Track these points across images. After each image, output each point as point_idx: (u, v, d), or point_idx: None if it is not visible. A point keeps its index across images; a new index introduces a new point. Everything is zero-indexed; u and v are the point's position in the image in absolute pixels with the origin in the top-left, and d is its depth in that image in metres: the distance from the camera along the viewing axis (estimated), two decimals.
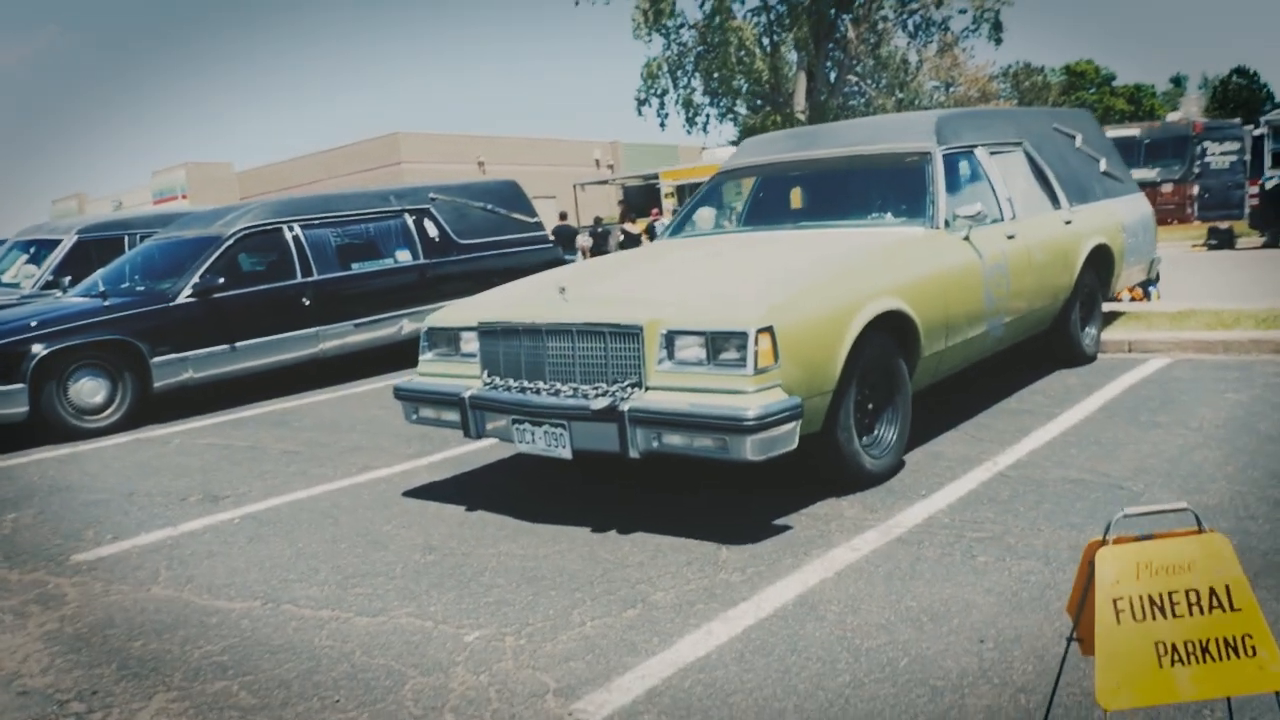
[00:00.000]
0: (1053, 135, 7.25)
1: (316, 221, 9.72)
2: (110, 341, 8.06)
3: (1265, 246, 17.22)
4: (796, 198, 6.46)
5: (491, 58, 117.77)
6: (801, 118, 36.60)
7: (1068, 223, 6.75)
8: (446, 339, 5.17)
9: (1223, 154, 18.16)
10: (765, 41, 36.97)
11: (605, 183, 34.09)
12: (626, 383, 4.32)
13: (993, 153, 6.30)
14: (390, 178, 34.55)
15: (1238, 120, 23.97)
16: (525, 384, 4.64)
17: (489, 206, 11.28)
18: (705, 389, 4.15)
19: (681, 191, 27.12)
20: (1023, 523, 4.14)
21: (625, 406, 4.21)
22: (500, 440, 4.83)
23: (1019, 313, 6.11)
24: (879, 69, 39.79)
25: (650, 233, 22.75)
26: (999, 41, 38.73)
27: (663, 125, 40.11)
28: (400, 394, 5.22)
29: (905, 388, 5.00)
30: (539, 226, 11.91)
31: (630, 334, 4.32)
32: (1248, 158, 18.26)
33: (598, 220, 26.94)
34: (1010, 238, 5.95)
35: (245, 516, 5.23)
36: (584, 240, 23.35)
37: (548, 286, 4.99)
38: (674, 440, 4.19)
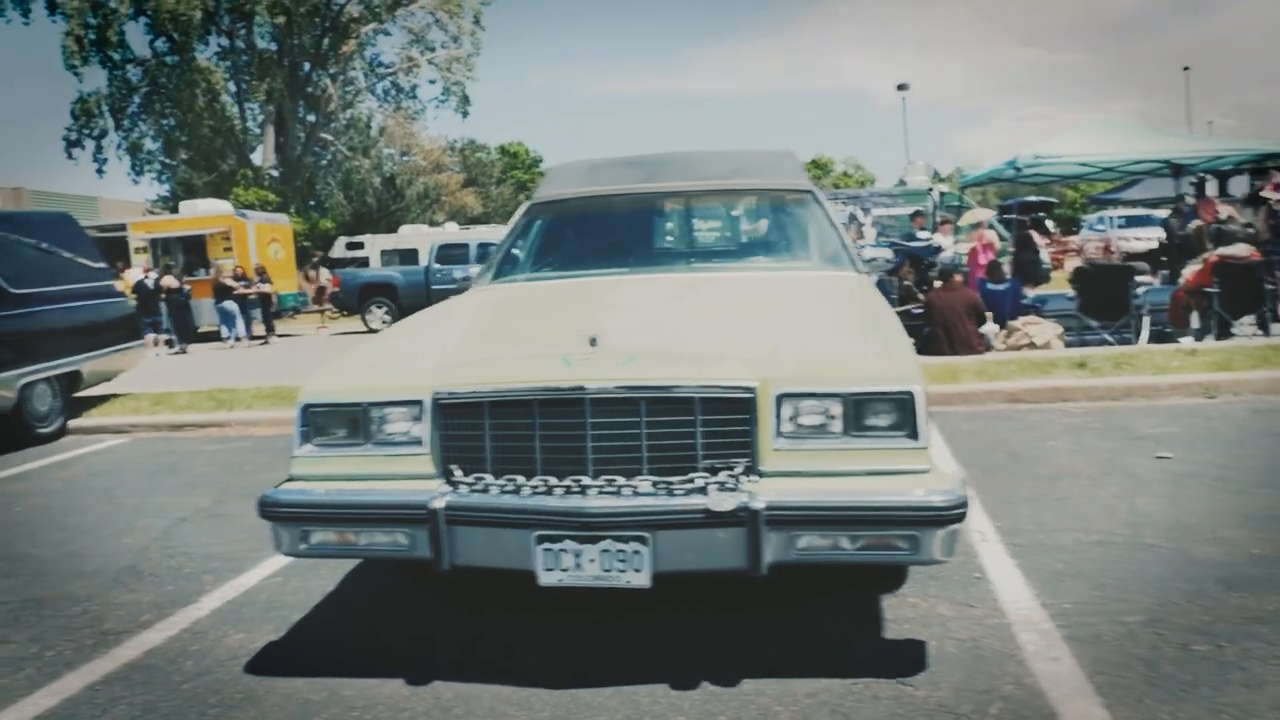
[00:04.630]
0: None
1: None
2: None
3: None
4: (641, 235, 5.41)
5: None
6: (274, 173, 34.15)
7: None
8: (349, 421, 3.35)
9: None
10: (233, 88, 33.96)
11: None
12: (738, 469, 3.05)
13: None
14: None
15: None
16: (551, 481, 3.10)
17: (44, 245, 8.40)
18: (849, 471, 3.05)
19: (155, 245, 23.40)
20: (1150, 596, 3.61)
21: (760, 504, 2.94)
22: (489, 569, 3.18)
23: None
24: (349, 129, 38.65)
25: (140, 289, 19.17)
26: (466, 114, 39.99)
27: (101, 171, 34.69)
28: (279, 511, 3.25)
29: None
30: (105, 274, 9.19)
31: (739, 400, 3.06)
32: None
33: None
34: None
35: None
36: None
37: (536, 335, 3.50)
38: (819, 544, 3.00)
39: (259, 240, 23.37)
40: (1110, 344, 10.38)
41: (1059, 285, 18.06)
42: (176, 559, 4.79)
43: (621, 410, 3.07)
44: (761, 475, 3.06)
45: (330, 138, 37.29)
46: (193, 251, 23.26)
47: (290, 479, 3.36)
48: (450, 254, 23.02)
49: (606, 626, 3.62)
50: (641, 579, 3.02)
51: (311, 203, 38.04)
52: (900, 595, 3.77)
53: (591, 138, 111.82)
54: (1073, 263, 30.48)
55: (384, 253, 28.59)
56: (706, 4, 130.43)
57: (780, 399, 3.08)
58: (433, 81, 39.16)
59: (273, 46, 34.94)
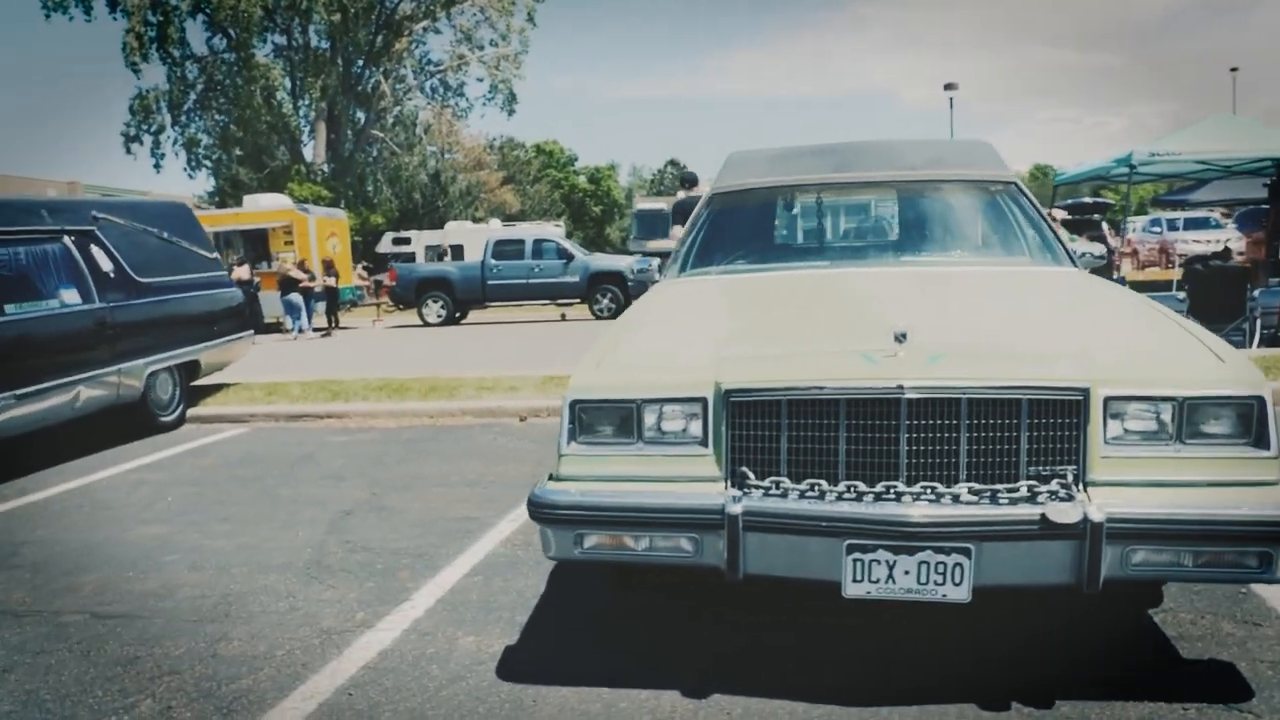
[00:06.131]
0: None
1: None
2: None
3: None
4: (843, 226, 5.22)
5: None
6: (325, 169, 34.14)
7: None
8: (620, 418, 3.14)
9: None
10: (289, 85, 33.97)
11: None
12: (1069, 476, 2.83)
13: None
14: None
15: None
16: (859, 486, 2.89)
17: (165, 234, 8.28)
18: (1184, 481, 2.82)
19: (218, 238, 23.34)
20: None
21: (1100, 515, 2.72)
22: (787, 579, 2.96)
23: None
24: (395, 126, 38.59)
25: None
26: (512, 112, 39.75)
27: (158, 167, 34.75)
28: (555, 514, 3.05)
29: None
30: (218, 264, 9.07)
31: (1070, 403, 2.84)
32: None
33: None
34: None
35: None
36: None
37: (815, 330, 3.32)
38: (1157, 559, 2.78)
39: (319, 235, 23.32)
40: None
41: None
42: (360, 554, 4.62)
43: (939, 411, 2.86)
44: (1089, 484, 2.84)
45: (381, 134, 37.26)
46: (255, 245, 23.25)
47: (555, 478, 3.16)
48: (505, 250, 22.98)
49: (886, 634, 3.40)
50: (960, 593, 2.81)
51: (359, 198, 38.09)
52: (1169, 611, 3.55)
53: (616, 139, 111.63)
54: (1128, 264, 30.07)
55: (428, 248, 28.53)
56: (730, 7, 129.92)
57: (1108, 401, 2.86)
58: (480, 79, 39.04)
59: (325, 44, 34.96)
